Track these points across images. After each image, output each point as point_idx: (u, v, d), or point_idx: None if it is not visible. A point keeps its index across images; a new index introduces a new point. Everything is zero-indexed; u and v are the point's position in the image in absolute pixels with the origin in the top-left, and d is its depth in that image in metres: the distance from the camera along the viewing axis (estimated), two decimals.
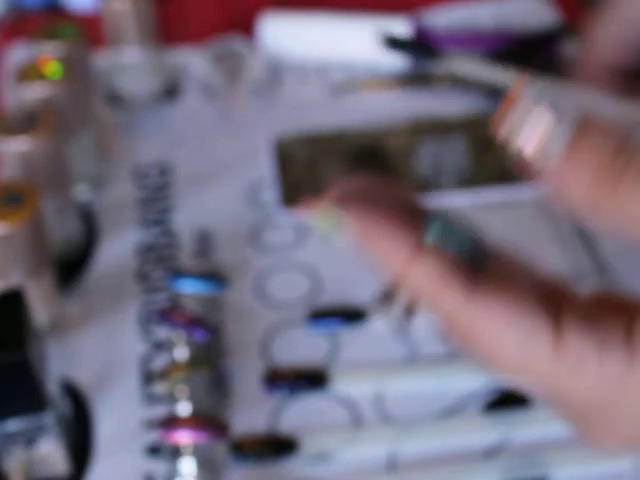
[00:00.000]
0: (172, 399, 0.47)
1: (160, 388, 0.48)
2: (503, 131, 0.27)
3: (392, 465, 0.46)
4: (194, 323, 0.48)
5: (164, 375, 0.48)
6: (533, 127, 0.27)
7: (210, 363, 0.48)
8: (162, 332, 0.51)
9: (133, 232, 0.58)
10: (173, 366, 0.48)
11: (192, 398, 0.47)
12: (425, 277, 0.29)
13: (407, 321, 0.32)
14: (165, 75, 0.69)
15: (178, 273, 0.52)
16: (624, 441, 0.29)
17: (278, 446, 0.47)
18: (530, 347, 0.28)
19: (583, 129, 0.28)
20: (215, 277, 0.52)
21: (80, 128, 0.59)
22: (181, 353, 0.48)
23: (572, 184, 0.29)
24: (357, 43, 0.69)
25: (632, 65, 0.48)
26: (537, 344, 0.28)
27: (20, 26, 0.76)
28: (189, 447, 0.45)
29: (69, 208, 0.56)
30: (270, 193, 0.60)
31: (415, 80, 0.69)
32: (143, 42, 0.66)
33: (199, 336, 0.48)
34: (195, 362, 0.48)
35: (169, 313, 0.49)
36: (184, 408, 0.46)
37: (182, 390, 0.47)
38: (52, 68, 0.57)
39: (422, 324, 0.32)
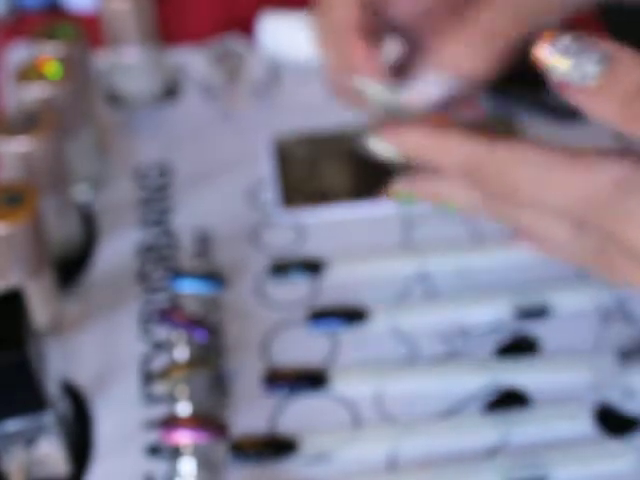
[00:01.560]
0: (172, 399, 0.47)
1: (160, 388, 0.48)
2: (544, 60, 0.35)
3: (392, 465, 0.46)
4: (194, 323, 0.48)
5: (164, 375, 0.48)
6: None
7: (210, 363, 0.48)
8: (162, 332, 0.52)
9: (133, 232, 0.58)
10: (173, 366, 0.48)
11: (192, 398, 0.47)
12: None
13: None
14: (165, 75, 0.69)
15: (178, 273, 0.52)
16: None
17: (278, 446, 0.47)
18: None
19: (616, 60, 0.35)
20: (214, 277, 0.52)
21: (80, 128, 0.59)
22: (181, 353, 0.48)
23: (604, 105, 0.36)
24: None
25: (371, 22, 0.49)
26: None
27: (20, 26, 0.76)
28: (189, 447, 0.45)
29: (69, 208, 0.56)
30: (270, 193, 0.60)
31: None
32: (143, 42, 0.66)
33: (199, 336, 0.48)
34: (195, 362, 0.48)
35: (169, 313, 0.49)
36: (184, 408, 0.46)
37: (182, 390, 0.47)
38: (52, 68, 0.57)
39: None
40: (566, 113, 0.65)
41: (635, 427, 0.47)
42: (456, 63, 0.47)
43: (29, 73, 0.56)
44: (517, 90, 0.66)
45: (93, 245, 0.57)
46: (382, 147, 0.47)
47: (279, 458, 0.46)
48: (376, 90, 0.48)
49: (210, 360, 0.49)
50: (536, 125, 0.65)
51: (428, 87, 0.47)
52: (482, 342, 0.52)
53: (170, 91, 0.69)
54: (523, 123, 0.65)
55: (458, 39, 0.46)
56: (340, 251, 0.57)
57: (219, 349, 0.51)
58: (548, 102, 0.66)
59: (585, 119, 0.65)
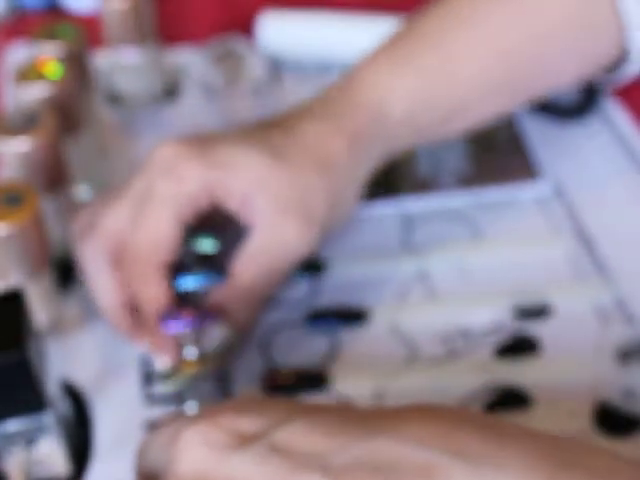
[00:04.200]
0: (179, 397, 0.47)
1: (166, 387, 0.48)
2: None
3: None
4: (203, 314, 0.48)
5: (172, 373, 0.48)
6: None
7: (218, 361, 0.48)
8: (168, 332, 0.51)
9: None
10: (181, 364, 0.48)
11: (199, 397, 0.47)
12: None
13: None
14: (165, 75, 0.69)
15: (180, 272, 0.51)
16: None
17: None
18: None
19: None
20: (215, 269, 0.51)
21: (80, 128, 0.59)
22: (188, 351, 0.48)
23: None
24: (356, 43, 0.69)
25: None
26: None
27: (20, 26, 0.76)
28: None
29: (69, 208, 0.56)
30: None
31: None
32: (143, 42, 0.66)
33: (211, 323, 0.48)
34: (202, 360, 0.48)
35: (176, 312, 0.49)
36: (192, 406, 0.46)
37: (190, 388, 0.47)
38: (52, 68, 0.57)
39: None
40: (566, 113, 0.65)
41: (635, 427, 0.47)
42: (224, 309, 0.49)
43: (29, 73, 0.56)
44: None
45: None
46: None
47: None
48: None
49: (218, 358, 0.48)
50: (536, 125, 0.65)
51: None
52: (482, 342, 0.52)
53: (170, 91, 0.69)
54: (522, 123, 0.65)
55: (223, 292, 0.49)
56: (340, 251, 0.57)
57: (223, 347, 0.50)
58: (548, 102, 0.66)
59: (584, 119, 0.65)
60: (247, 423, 0.32)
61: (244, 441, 0.32)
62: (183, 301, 0.50)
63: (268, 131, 0.51)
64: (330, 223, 0.51)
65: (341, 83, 0.54)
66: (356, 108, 0.52)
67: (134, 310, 0.49)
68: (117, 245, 0.49)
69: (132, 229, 0.49)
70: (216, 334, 0.48)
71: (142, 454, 0.36)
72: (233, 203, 0.49)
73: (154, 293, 0.48)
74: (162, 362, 0.48)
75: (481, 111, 0.56)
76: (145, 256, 0.48)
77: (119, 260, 0.49)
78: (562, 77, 0.58)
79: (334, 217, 0.52)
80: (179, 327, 0.48)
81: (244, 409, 0.33)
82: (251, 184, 0.49)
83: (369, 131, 0.52)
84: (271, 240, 0.49)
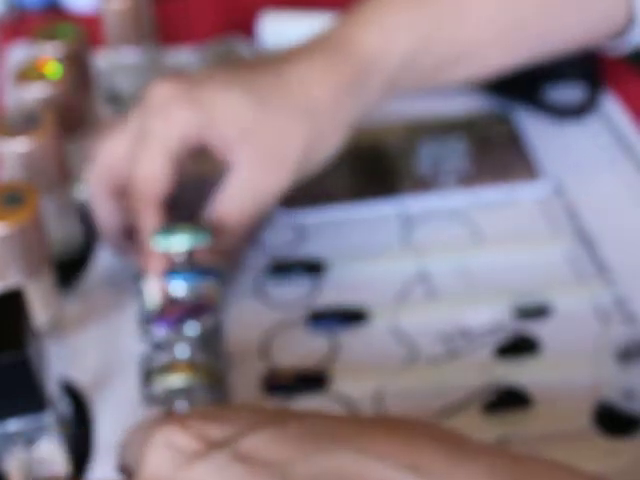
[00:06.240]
0: (170, 397, 0.47)
1: (158, 386, 0.48)
2: None
3: None
4: (190, 311, 0.48)
5: (161, 372, 0.48)
6: None
7: (209, 361, 0.48)
8: (161, 332, 0.51)
9: None
10: (171, 364, 0.47)
11: (190, 397, 0.47)
12: None
13: None
14: (165, 75, 0.69)
15: (172, 270, 0.51)
16: None
17: None
18: None
19: None
20: (211, 269, 0.51)
21: (80, 128, 0.59)
22: (181, 351, 0.48)
23: None
24: None
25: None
26: None
27: (20, 26, 0.76)
28: None
29: (69, 208, 0.56)
30: None
31: None
32: (143, 42, 0.66)
33: (204, 317, 0.48)
34: (194, 361, 0.48)
35: (164, 312, 0.49)
36: (182, 405, 0.46)
37: (180, 387, 0.47)
38: (52, 68, 0.57)
39: None
40: (566, 113, 0.65)
41: (635, 427, 0.47)
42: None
43: (29, 73, 0.56)
44: (517, 90, 0.66)
45: (93, 245, 0.57)
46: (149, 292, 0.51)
47: None
48: (152, 292, 0.51)
49: (209, 358, 0.48)
50: (536, 125, 0.65)
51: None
52: (482, 342, 0.52)
53: None
54: (522, 123, 0.65)
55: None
56: (340, 251, 0.57)
57: (219, 349, 0.51)
58: (548, 102, 0.66)
59: (584, 119, 0.65)
60: (214, 429, 0.33)
61: (209, 447, 0.32)
62: (174, 301, 0.50)
63: (257, 74, 0.53)
64: (306, 166, 0.54)
65: (344, 23, 0.55)
66: (353, 53, 0.54)
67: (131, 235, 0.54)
68: (117, 176, 0.54)
69: (130, 165, 0.52)
70: (201, 323, 0.49)
71: (123, 449, 0.37)
72: (217, 144, 0.52)
73: (148, 221, 0.52)
74: (152, 289, 0.51)
75: (484, 59, 0.57)
76: (141, 190, 0.52)
77: (122, 191, 0.54)
78: (568, 38, 0.59)
79: (311, 161, 0.54)
80: (166, 326, 0.48)
81: (212, 414, 0.34)
82: (234, 129, 0.52)
83: (362, 78, 0.54)
84: (246, 183, 0.52)
